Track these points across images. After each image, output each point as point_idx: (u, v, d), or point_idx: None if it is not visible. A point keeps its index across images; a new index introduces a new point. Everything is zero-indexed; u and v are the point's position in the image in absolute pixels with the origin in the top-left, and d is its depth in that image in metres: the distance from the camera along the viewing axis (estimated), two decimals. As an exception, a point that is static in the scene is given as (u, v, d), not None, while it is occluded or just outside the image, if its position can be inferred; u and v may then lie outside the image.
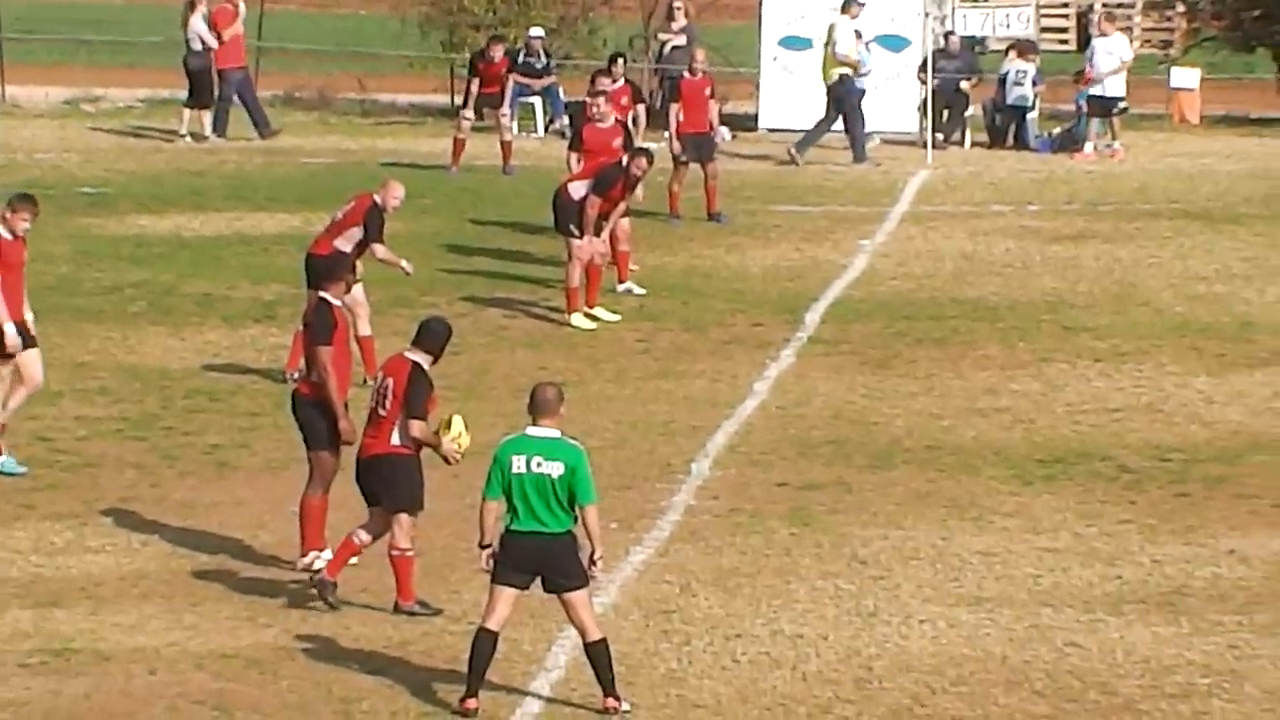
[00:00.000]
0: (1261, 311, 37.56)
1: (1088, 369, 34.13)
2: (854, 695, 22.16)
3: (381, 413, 24.05)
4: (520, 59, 55.61)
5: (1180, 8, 64.01)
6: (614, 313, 37.54)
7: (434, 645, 23.31)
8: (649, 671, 22.32)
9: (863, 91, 52.07)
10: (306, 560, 25.16)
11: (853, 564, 25.90)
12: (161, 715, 21.18)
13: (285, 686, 22.13)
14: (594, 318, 37.10)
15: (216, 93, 54.71)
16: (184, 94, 55.46)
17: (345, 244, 32.20)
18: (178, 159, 53.16)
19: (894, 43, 53.74)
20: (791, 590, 24.96)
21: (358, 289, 31.90)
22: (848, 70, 51.84)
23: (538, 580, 21.93)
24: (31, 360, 30.25)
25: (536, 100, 55.66)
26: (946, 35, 54.85)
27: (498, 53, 50.34)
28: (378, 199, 32.86)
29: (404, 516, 23.98)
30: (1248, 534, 26.97)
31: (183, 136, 54.13)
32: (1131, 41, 62.65)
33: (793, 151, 51.27)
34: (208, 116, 54.05)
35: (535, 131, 55.40)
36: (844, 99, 51.53)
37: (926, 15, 54.43)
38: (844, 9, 53.79)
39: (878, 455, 30.14)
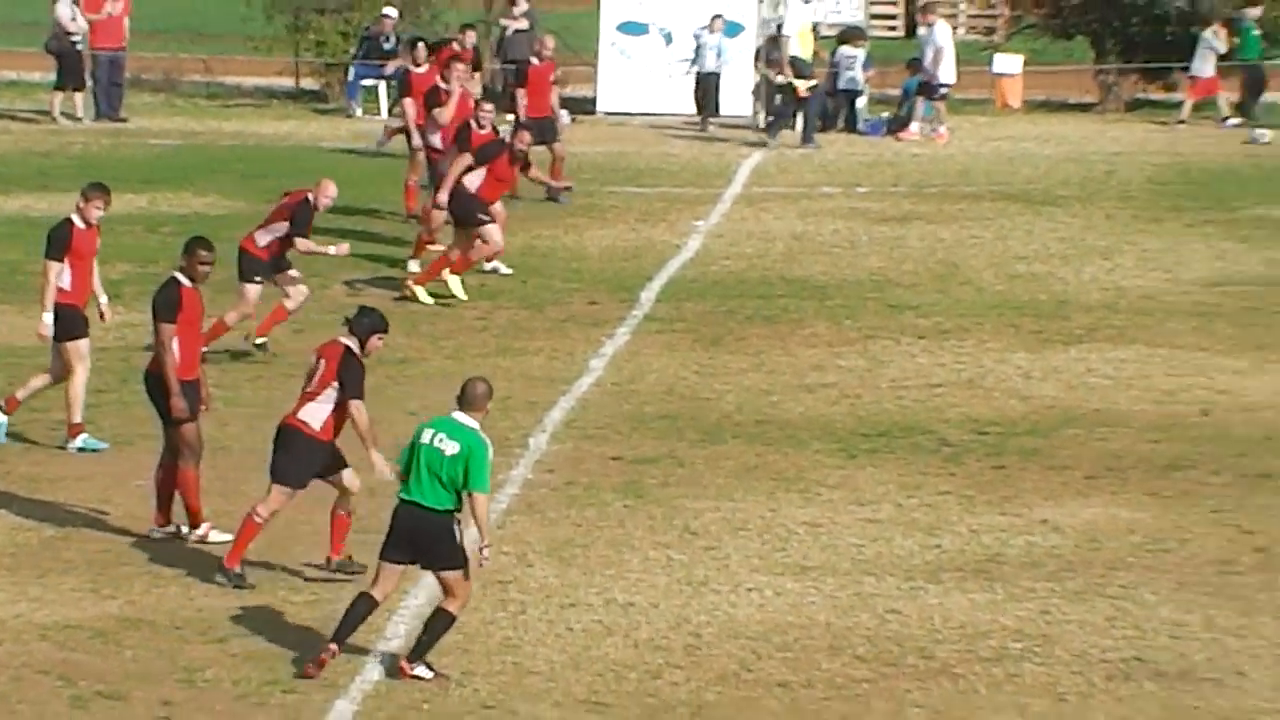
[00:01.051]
0: (1077, 290, 37.86)
1: (911, 346, 34.32)
2: (683, 661, 22.19)
3: (307, 388, 24.19)
4: (364, 42, 55.86)
5: None
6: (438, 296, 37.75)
7: (275, 616, 23.35)
8: (485, 639, 22.43)
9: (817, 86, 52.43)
10: (200, 532, 25.42)
11: (684, 535, 26.02)
12: (7, 685, 21.12)
13: (129, 656, 22.11)
14: (441, 295, 37.46)
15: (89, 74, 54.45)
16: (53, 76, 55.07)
17: (266, 236, 32.37)
18: (25, 139, 53.04)
19: (731, 29, 53.88)
20: (625, 560, 25.05)
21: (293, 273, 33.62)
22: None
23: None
24: (78, 351, 29.53)
25: (381, 83, 55.66)
26: (778, 26, 54.92)
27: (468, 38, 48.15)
28: (310, 196, 32.77)
29: (275, 487, 24.11)
30: (1060, 504, 27.28)
31: (54, 119, 53.78)
32: (957, 29, 63.20)
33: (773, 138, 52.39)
34: (79, 98, 53.74)
35: (380, 114, 55.30)
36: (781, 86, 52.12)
37: (760, 3, 54.77)
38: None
39: (709, 430, 30.24)
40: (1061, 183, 46.93)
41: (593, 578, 24.38)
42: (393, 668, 21.75)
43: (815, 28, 54.79)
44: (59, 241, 29.45)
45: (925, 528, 26.42)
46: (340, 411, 23.96)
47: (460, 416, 22.09)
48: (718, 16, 53.39)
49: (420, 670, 21.79)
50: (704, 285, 39.29)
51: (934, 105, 53.19)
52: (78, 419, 29.27)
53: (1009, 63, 58.93)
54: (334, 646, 22.18)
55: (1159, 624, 23.30)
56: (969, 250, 40.50)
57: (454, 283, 37.75)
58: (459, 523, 21.87)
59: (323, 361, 24.26)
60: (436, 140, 40.42)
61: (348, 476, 24.35)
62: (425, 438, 22.01)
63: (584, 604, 23.60)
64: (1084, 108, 58.55)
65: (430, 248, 39.43)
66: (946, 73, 54.21)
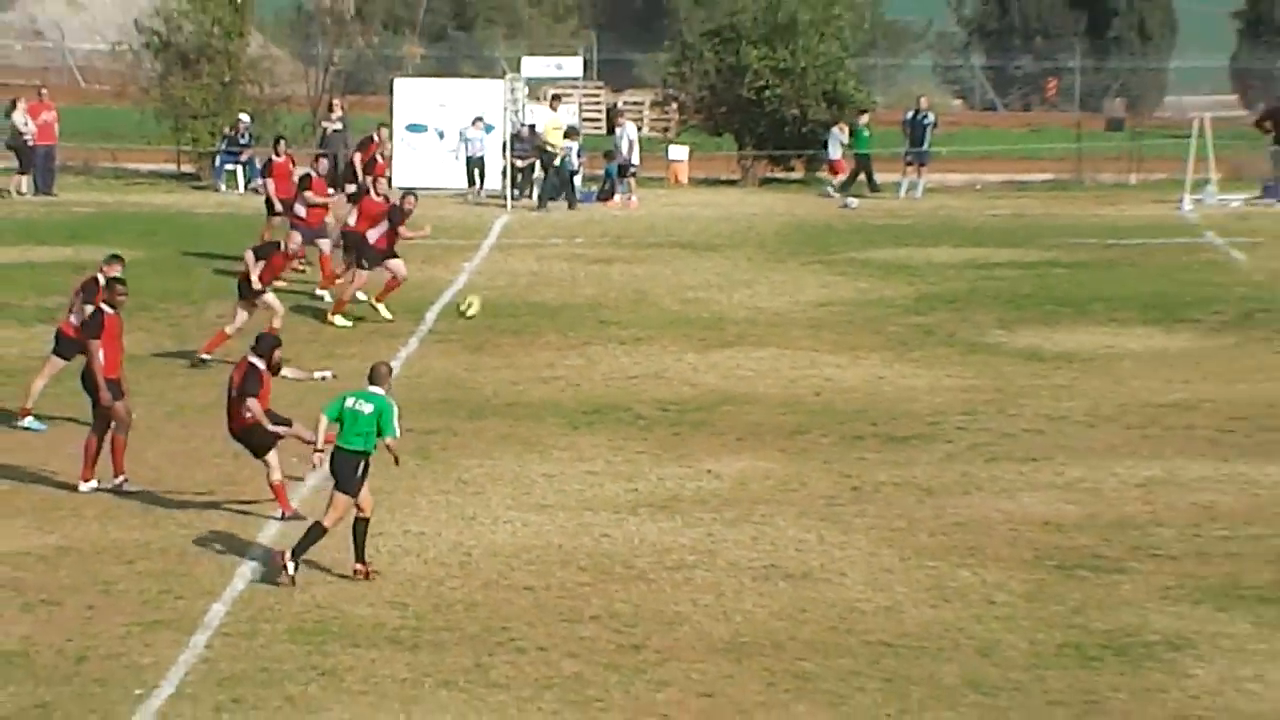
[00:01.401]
0: (729, 309, 37.68)
1: (615, 350, 34.16)
2: (459, 573, 22.36)
3: (232, 396, 24.12)
4: (225, 138, 55.54)
5: (674, 106, 64.12)
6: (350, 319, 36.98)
7: (170, 544, 23.33)
8: (319, 559, 22.24)
9: (563, 164, 51.92)
10: (118, 481, 25.42)
11: (458, 484, 26.07)
12: (-29, 596, 21.36)
13: (63, 574, 22.17)
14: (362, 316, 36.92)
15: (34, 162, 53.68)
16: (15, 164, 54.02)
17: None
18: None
19: (488, 128, 53.84)
20: (416, 503, 25.09)
21: (270, 296, 33.11)
22: (551, 145, 51.94)
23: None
24: (53, 364, 28.84)
25: (239, 167, 55.27)
26: (524, 125, 54.87)
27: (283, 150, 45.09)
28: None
29: (269, 457, 24.11)
30: (719, 459, 27.26)
31: (12, 195, 52.69)
32: (642, 128, 63.15)
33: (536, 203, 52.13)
34: (27, 180, 53.05)
35: (238, 189, 54.91)
36: (549, 165, 51.68)
37: (505, 109, 54.63)
38: (550, 103, 55.69)
39: (474, 410, 30.14)
40: (717, 235, 46.64)
41: (394, 515, 24.26)
42: (268, 573, 21.87)
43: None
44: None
45: (627, 476, 26.50)
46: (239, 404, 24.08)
47: (371, 389, 22.23)
48: (479, 119, 53.30)
49: (290, 566, 21.82)
50: (470, 308, 39.09)
51: (628, 181, 53.13)
52: (29, 405, 28.87)
53: (679, 152, 58.36)
54: (291, 565, 22.05)
55: (788, 541, 23.47)
56: (655, 282, 40.24)
57: (381, 308, 37.08)
58: (364, 463, 21.98)
59: (234, 377, 24.21)
60: (301, 210, 39.30)
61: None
62: (349, 404, 22.16)
63: (388, 534, 23.54)
64: (731, 183, 58.61)
65: (337, 282, 38.33)
66: (635, 158, 54.41)
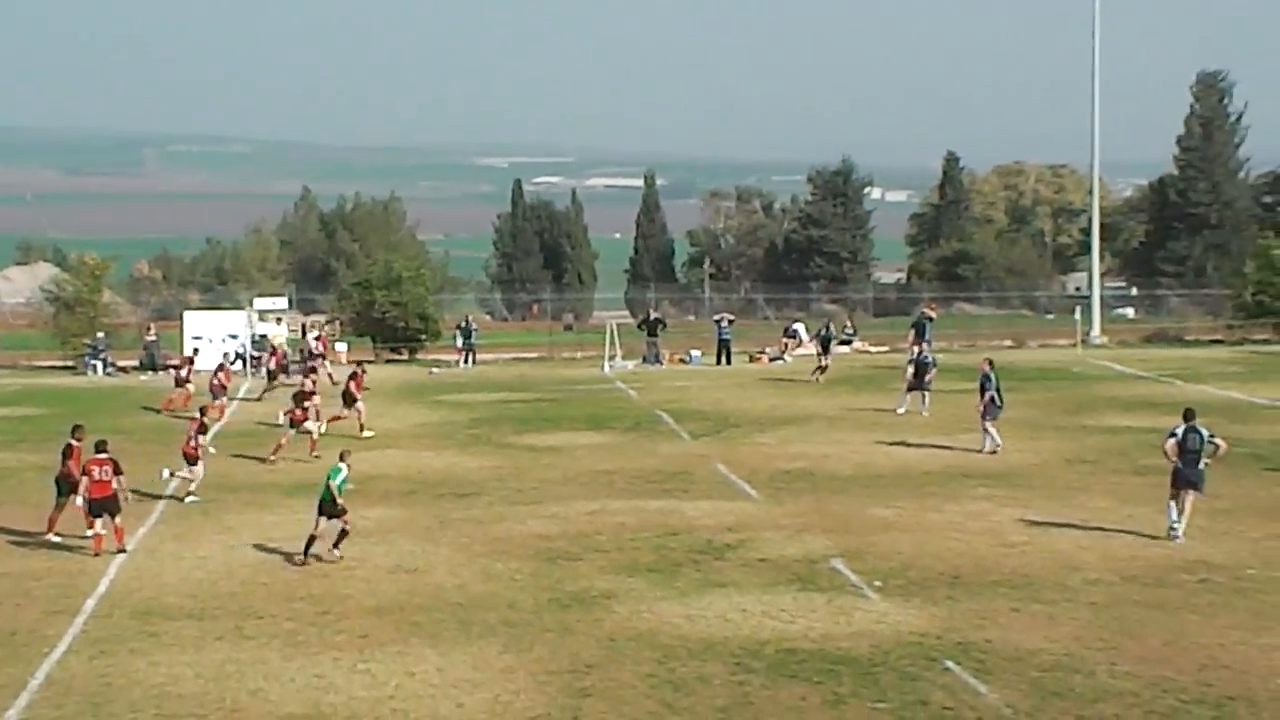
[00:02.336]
0: (381, 428, 35.29)
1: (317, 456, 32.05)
2: (225, 576, 21.11)
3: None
4: (90, 346, 54.04)
5: (338, 322, 62.94)
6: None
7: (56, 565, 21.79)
8: (152, 571, 21.06)
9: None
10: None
11: (224, 529, 24.26)
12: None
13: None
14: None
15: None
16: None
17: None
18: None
19: (235, 336, 53.23)
20: (199, 540, 23.52)
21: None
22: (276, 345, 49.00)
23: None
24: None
25: (99, 362, 53.38)
26: (259, 335, 53.64)
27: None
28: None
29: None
30: (370, 509, 25.46)
31: None
32: (320, 334, 62.08)
33: None
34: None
35: (97, 374, 52.50)
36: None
37: (248, 326, 53.91)
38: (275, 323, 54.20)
39: (230, 488, 28.13)
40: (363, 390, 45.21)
41: (188, 546, 22.97)
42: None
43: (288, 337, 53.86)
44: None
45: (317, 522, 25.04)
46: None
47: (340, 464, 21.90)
48: (234, 335, 52.86)
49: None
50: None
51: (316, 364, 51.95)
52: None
53: (341, 346, 57.01)
54: (302, 558, 21.54)
55: (406, 552, 22.52)
56: (376, 419, 37.73)
57: (368, 432, 34.81)
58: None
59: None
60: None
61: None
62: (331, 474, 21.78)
63: (186, 558, 22.23)
64: (371, 361, 55.56)
65: (333, 421, 34.58)
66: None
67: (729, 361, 54.16)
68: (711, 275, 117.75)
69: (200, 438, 27.31)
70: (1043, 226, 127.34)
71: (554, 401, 42.83)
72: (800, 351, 57.19)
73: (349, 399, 36.01)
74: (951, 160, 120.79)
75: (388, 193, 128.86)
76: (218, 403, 37.28)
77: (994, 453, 31.08)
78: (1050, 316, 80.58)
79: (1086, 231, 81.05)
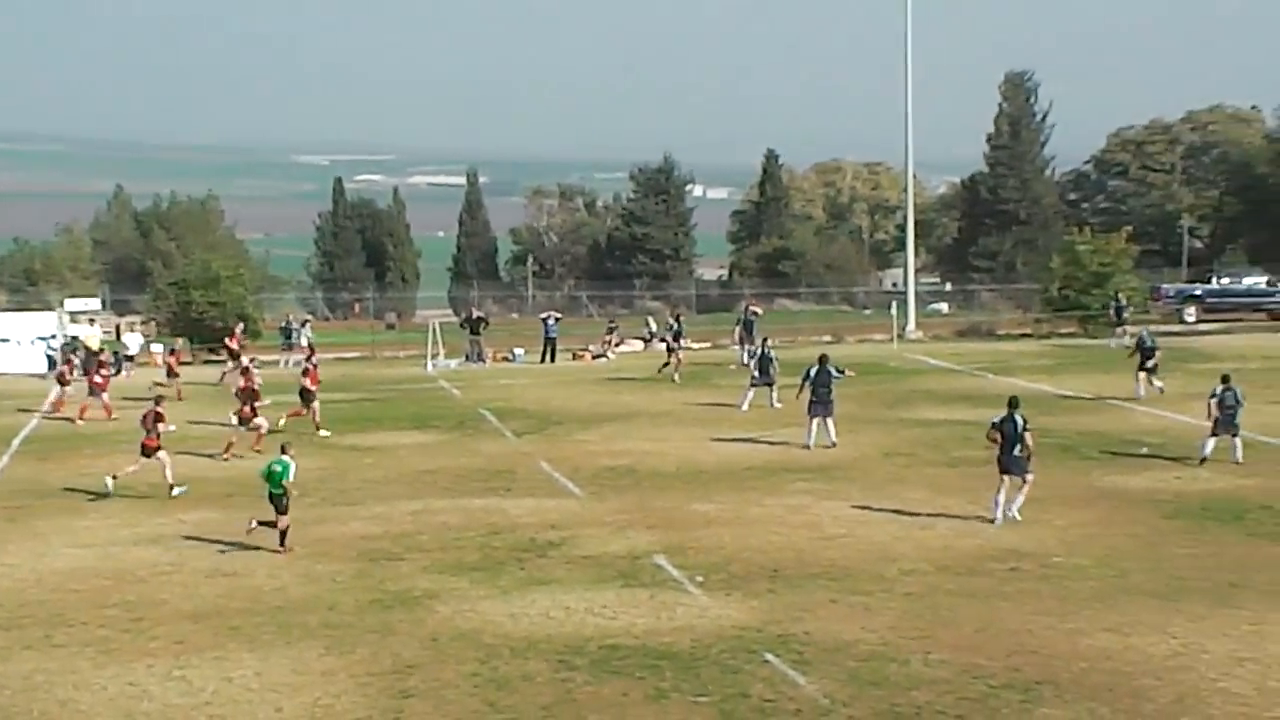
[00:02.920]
0: (192, 436, 36.28)
1: (129, 455, 31.29)
2: (35, 585, 20.72)
3: None
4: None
5: (153, 322, 62.73)
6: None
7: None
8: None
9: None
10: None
11: (34, 535, 23.94)
12: None
13: None
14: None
15: None
16: None
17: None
18: None
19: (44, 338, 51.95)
20: (6, 547, 23.07)
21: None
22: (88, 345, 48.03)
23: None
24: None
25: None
26: (70, 336, 52.10)
27: None
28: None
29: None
30: (186, 514, 25.40)
31: None
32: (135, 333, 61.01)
33: None
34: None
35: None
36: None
37: (59, 327, 52.60)
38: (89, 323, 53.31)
39: (43, 493, 27.66)
40: (182, 389, 44.61)
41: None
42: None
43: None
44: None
45: (131, 525, 24.58)
46: None
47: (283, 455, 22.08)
48: (51, 336, 51.20)
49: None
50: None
51: (134, 360, 51.25)
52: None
53: (157, 347, 55.86)
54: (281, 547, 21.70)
55: (224, 558, 22.10)
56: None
57: (324, 431, 34.54)
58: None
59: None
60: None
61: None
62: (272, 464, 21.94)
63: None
64: (188, 364, 55.22)
65: (295, 416, 34.76)
66: (136, 349, 52.60)
67: (553, 359, 53.97)
68: (535, 273, 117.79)
69: (160, 427, 27.77)
70: (860, 223, 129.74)
71: (377, 401, 42.12)
72: (624, 349, 57.13)
73: (306, 395, 35.81)
74: (771, 158, 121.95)
75: (204, 191, 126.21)
76: (105, 399, 37.99)
77: (823, 448, 31.36)
78: (868, 312, 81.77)
79: (902, 228, 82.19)
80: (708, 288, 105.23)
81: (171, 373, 44.44)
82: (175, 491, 26.19)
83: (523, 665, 16.56)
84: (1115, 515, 24.01)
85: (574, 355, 55.80)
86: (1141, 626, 17.54)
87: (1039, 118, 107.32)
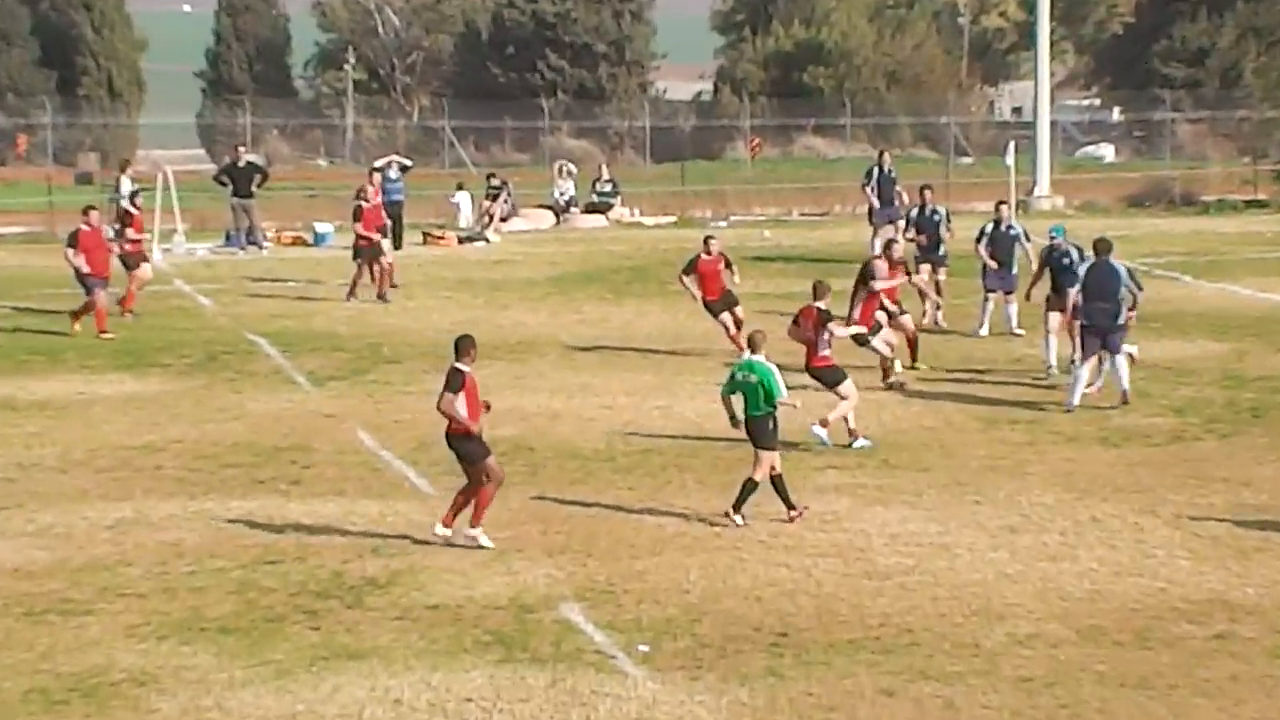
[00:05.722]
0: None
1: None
2: None
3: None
4: None
5: None
6: None
7: None
8: None
9: None
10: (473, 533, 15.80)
11: None
12: None
13: None
14: None
15: None
16: None
17: None
18: None
19: None
20: None
21: None
22: None
23: None
24: None
25: None
26: None
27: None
28: None
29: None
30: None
31: None
32: None
33: None
34: None
35: None
36: None
37: None
38: None
39: None
40: None
41: None
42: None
43: None
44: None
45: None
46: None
47: (752, 356, 16.42)
48: None
49: (738, 519, 15.89)
50: None
51: None
52: None
53: None
54: None
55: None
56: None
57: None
58: (774, 420, 16.16)
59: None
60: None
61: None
62: (739, 377, 16.44)
63: None
64: None
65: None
66: None
67: (397, 243, 37.46)
68: (359, 84, 76.45)
69: None
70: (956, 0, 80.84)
71: (52, 315, 28.53)
72: (517, 225, 41.26)
73: None
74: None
75: None
76: None
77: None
78: (967, 161, 59.74)
79: (1032, 8, 51.08)
80: (673, 115, 70.72)
81: None
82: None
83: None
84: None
85: (426, 237, 38.66)
86: None
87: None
